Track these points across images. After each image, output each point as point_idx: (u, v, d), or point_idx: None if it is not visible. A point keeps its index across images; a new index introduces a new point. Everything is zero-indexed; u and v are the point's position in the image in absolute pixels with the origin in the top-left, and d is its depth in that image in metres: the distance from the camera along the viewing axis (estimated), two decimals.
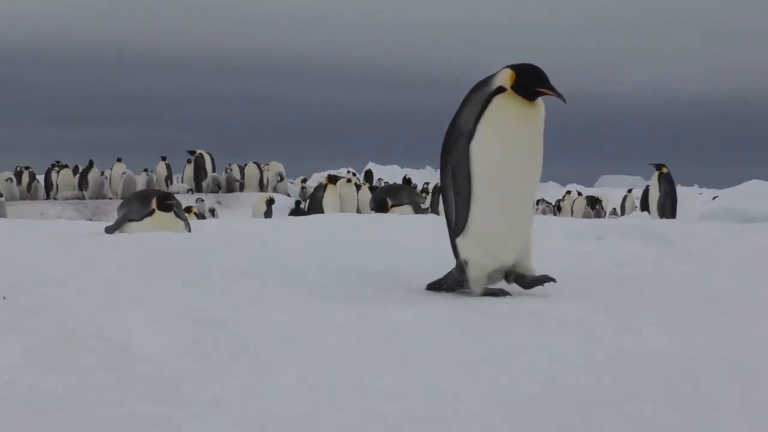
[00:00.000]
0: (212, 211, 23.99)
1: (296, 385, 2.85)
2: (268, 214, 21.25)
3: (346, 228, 8.97)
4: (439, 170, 4.88)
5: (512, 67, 4.72)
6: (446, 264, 6.09)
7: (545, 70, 4.68)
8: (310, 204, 18.29)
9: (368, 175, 39.01)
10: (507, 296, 4.77)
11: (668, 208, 17.65)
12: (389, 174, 46.49)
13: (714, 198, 28.11)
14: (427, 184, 35.41)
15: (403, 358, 3.19)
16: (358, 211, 20.35)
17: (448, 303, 4.47)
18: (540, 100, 4.73)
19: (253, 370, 3.05)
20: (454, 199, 4.72)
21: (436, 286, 4.98)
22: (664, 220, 13.77)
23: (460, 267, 4.83)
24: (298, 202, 24.22)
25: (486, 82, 4.75)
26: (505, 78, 4.70)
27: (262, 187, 30.13)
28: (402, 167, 52.65)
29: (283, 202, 25.32)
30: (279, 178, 30.73)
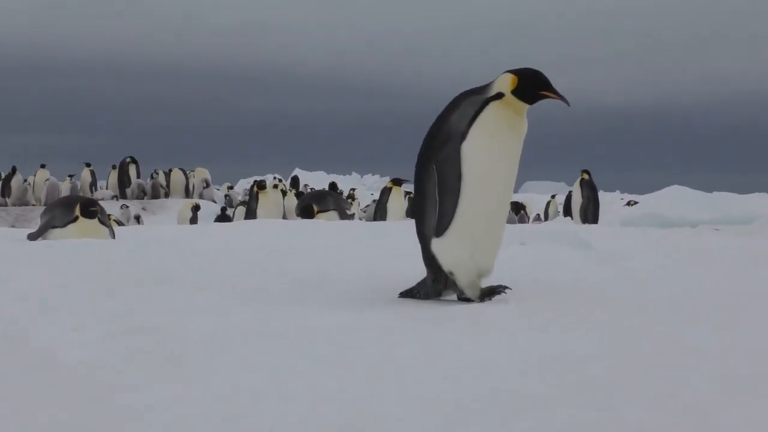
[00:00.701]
0: (137, 218, 23.76)
1: (225, 390, 2.85)
2: (193, 220, 21.11)
3: (274, 234, 8.95)
4: (415, 175, 4.78)
5: (513, 71, 4.73)
6: (380, 268, 6.10)
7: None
8: (247, 211, 18.11)
9: (295, 181, 38.89)
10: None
11: (591, 213, 17.90)
12: (316, 180, 46.42)
13: (628, 203, 28.46)
14: (353, 190, 35.42)
15: (334, 362, 3.20)
16: (285, 217, 20.28)
17: (381, 307, 4.48)
18: (526, 114, 4.76)
19: (181, 376, 3.04)
20: (439, 199, 4.64)
21: (408, 295, 4.90)
22: (587, 225, 13.95)
23: (445, 277, 4.74)
24: (224, 209, 24.07)
25: (483, 87, 4.76)
26: (505, 83, 4.71)
27: (187, 193, 29.92)
28: (328, 173, 52.60)
29: (209, 209, 25.16)
30: (205, 184, 30.54)
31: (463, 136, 4.63)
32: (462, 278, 4.71)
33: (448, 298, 4.86)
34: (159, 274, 5.53)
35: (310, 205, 14.85)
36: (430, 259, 4.75)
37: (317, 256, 6.82)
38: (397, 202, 17.75)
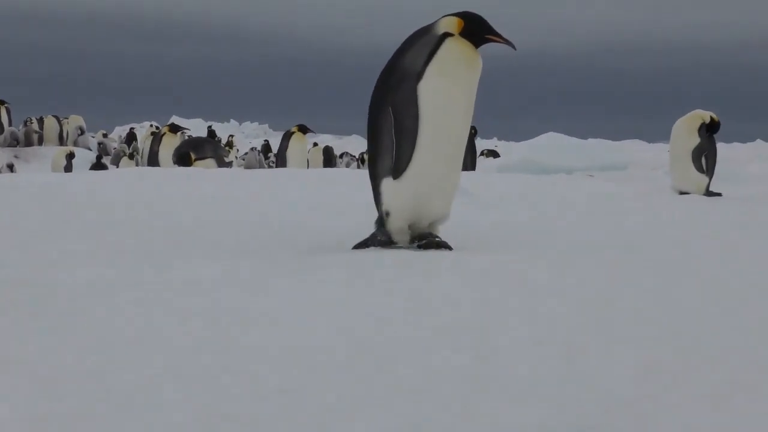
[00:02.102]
0: (10, 167, 23.14)
1: (93, 341, 2.80)
2: (68, 168, 20.65)
3: (149, 183, 8.81)
4: (369, 116, 4.67)
5: (457, 15, 4.68)
6: (256, 216, 6.06)
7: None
8: (150, 156, 17.51)
9: (173, 129, 38.33)
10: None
11: (468, 160, 18.05)
12: (194, 127, 45.75)
13: (482, 153, 28.67)
14: (232, 137, 35.04)
15: (202, 312, 3.17)
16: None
17: (254, 257, 4.45)
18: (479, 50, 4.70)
19: (49, 327, 2.97)
20: (395, 139, 4.54)
21: (363, 245, 4.76)
22: (464, 172, 14.06)
23: (381, 219, 4.68)
24: (98, 157, 23.61)
25: (428, 28, 4.68)
26: (451, 24, 4.65)
27: (61, 141, 29.22)
28: (206, 120, 51.92)
29: (84, 157, 24.63)
30: (79, 131, 29.86)
31: (419, 75, 4.57)
32: (393, 222, 4.65)
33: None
34: (30, 223, 5.39)
35: (187, 152, 14.66)
36: (376, 200, 4.69)
37: (195, 205, 6.74)
38: (298, 150, 17.50)
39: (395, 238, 4.69)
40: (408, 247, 4.72)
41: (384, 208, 4.65)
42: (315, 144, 25.83)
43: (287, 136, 17.65)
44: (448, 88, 4.60)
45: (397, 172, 4.57)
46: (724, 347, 2.83)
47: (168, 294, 3.48)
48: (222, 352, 2.69)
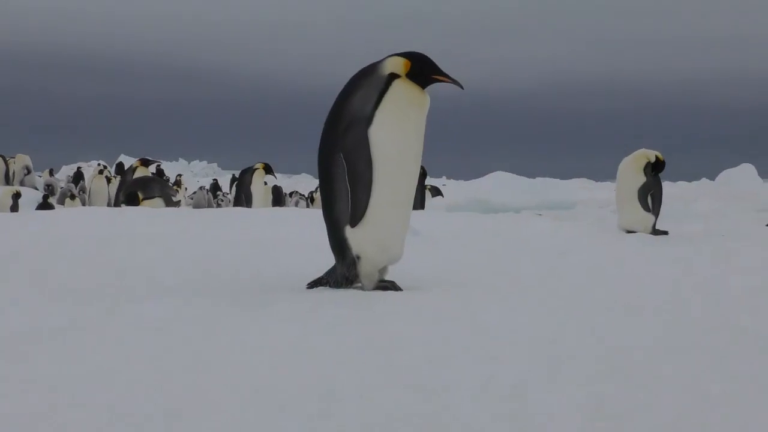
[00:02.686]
0: None
1: (37, 384, 2.76)
2: (14, 208, 20.42)
3: (99, 222, 8.73)
4: (319, 162, 4.65)
5: (402, 55, 4.66)
6: (205, 255, 6.03)
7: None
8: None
9: (120, 168, 38.05)
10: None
11: (418, 199, 18.11)
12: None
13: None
14: (180, 176, 34.85)
15: (150, 353, 3.14)
16: (110, 204, 19.84)
17: (203, 296, 4.42)
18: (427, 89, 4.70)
19: None
20: (349, 187, 4.53)
21: (317, 284, 4.77)
22: (414, 211, 14.10)
23: (352, 262, 4.65)
24: (45, 196, 23.39)
25: (374, 68, 4.65)
26: (397, 65, 4.63)
27: (8, 180, 28.92)
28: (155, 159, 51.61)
29: (31, 196, 24.38)
30: (26, 171, 29.56)
31: (369, 120, 4.54)
32: (365, 266, 4.64)
33: (358, 285, 4.77)
34: None
35: (135, 192, 14.56)
36: (340, 244, 4.66)
37: (141, 245, 6.69)
38: (263, 186, 17.33)
39: (364, 280, 4.68)
40: (356, 288, 4.72)
41: (354, 252, 4.63)
42: (264, 183, 25.74)
43: (250, 172, 17.50)
44: (399, 133, 4.58)
45: (354, 219, 4.56)
46: (673, 384, 2.86)
47: (116, 335, 3.45)
48: (170, 393, 2.66)
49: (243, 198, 17.33)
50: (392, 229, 4.65)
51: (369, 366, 3.02)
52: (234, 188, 22.70)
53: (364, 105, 4.57)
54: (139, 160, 16.93)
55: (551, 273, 5.87)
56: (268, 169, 17.43)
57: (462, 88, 4.73)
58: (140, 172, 16.55)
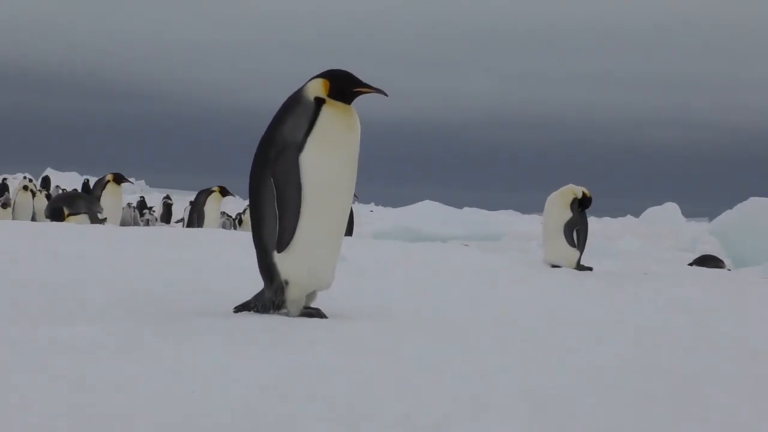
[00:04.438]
0: None
1: None
2: None
3: (21, 237, 8.59)
4: (250, 187, 4.62)
5: (321, 76, 4.65)
6: (128, 275, 5.95)
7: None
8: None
9: (45, 182, 37.53)
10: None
11: (347, 226, 18.06)
12: (68, 181, 44.88)
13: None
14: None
15: (67, 377, 3.08)
16: (34, 219, 19.52)
17: (125, 319, 4.35)
18: (354, 108, 4.68)
19: None
20: (278, 212, 4.50)
21: (244, 308, 4.72)
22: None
23: (279, 287, 4.60)
24: None
25: (299, 96, 4.63)
26: (317, 88, 4.61)
27: None
28: (82, 174, 50.97)
29: None
30: None
31: (300, 146, 4.52)
32: (293, 292, 4.61)
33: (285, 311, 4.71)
34: None
35: (60, 207, 14.34)
36: (268, 269, 4.62)
37: (62, 263, 6.58)
38: (215, 209, 16.82)
39: (290, 306, 4.65)
40: (283, 314, 4.69)
41: (282, 277, 4.59)
42: (191, 203, 25.49)
43: (205, 194, 17.07)
44: (331, 159, 4.57)
45: (281, 244, 4.54)
46: (594, 425, 2.87)
47: (33, 357, 3.38)
48: (87, 420, 2.61)
49: (195, 219, 17.03)
50: (322, 255, 4.63)
51: (290, 396, 2.99)
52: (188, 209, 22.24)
53: (295, 132, 4.56)
54: (112, 174, 15.75)
55: (477, 305, 5.89)
56: (224, 192, 17.04)
57: (386, 95, 4.73)
58: (110, 189, 15.51)
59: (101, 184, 15.57)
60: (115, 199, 15.40)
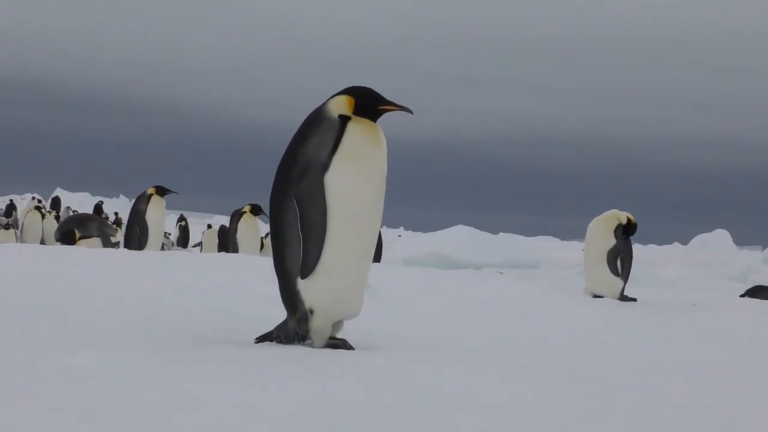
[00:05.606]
0: None
1: None
2: None
3: (30, 261, 8.64)
4: (270, 209, 4.62)
5: (345, 93, 4.66)
6: (143, 302, 5.97)
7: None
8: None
9: (55, 203, 37.79)
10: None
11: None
12: (79, 202, 45.19)
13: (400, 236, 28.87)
14: (117, 214, 34.60)
15: (75, 406, 3.09)
16: (43, 242, 19.65)
17: (138, 348, 4.37)
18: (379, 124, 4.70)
19: None
20: (302, 236, 4.50)
21: (266, 339, 4.72)
22: None
23: (303, 316, 4.59)
24: None
25: (321, 114, 4.63)
26: (341, 105, 4.63)
27: None
28: (93, 195, 51.27)
29: None
30: None
31: (325, 166, 4.52)
32: (317, 321, 4.59)
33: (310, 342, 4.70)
34: None
35: (71, 230, 14.45)
36: (291, 297, 4.61)
37: (73, 288, 6.62)
38: (250, 232, 15.91)
39: (314, 337, 4.63)
40: (307, 345, 4.68)
41: (307, 306, 4.58)
42: (209, 226, 25.57)
43: (236, 217, 16.36)
44: (358, 179, 4.57)
45: (305, 270, 4.53)
46: None
47: (40, 385, 3.40)
48: None
49: (229, 244, 16.24)
50: (349, 281, 4.61)
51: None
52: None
53: (319, 151, 4.56)
54: (155, 187, 15.19)
55: (512, 337, 5.87)
56: (255, 211, 16.27)
57: (411, 113, 4.74)
58: (154, 202, 14.89)
59: (145, 199, 15.02)
60: (159, 214, 14.80)
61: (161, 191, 14.66)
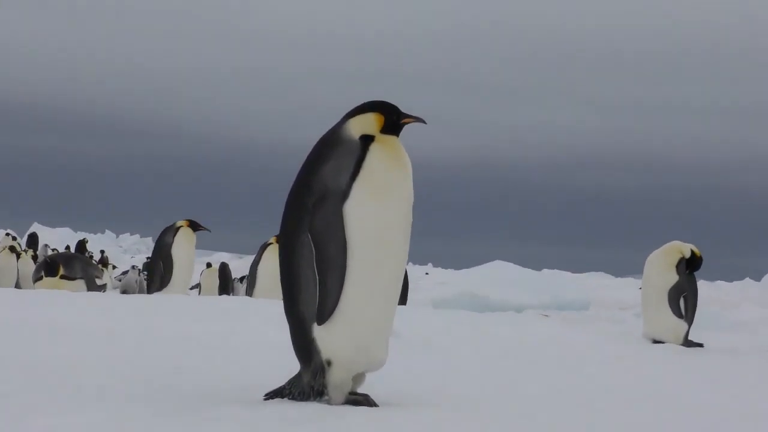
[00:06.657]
0: None
1: None
2: None
3: (5, 307, 8.68)
4: (281, 244, 4.64)
5: (371, 110, 4.67)
6: (134, 354, 5.99)
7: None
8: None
9: (32, 240, 37.87)
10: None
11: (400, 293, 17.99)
12: (59, 238, 45.30)
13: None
14: (103, 252, 34.69)
15: None
16: (18, 285, 19.68)
17: (130, 406, 4.38)
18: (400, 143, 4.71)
19: None
20: (318, 275, 4.48)
21: (277, 395, 4.70)
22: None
23: (320, 368, 4.57)
24: None
25: (339, 134, 4.64)
26: (368, 124, 4.64)
27: None
28: (76, 231, 51.42)
29: None
30: None
31: (344, 195, 4.51)
32: (336, 374, 4.56)
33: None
34: None
35: (56, 262, 14.48)
36: (306, 346, 4.58)
37: (60, 338, 6.65)
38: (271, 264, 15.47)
39: (332, 392, 4.60)
40: (322, 402, 4.67)
41: (323, 356, 4.55)
42: (209, 264, 25.59)
43: (263, 247, 15.94)
44: (382, 208, 4.55)
45: (322, 314, 4.50)
46: None
47: None
48: None
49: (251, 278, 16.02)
50: (371, 327, 4.59)
51: None
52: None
53: (337, 176, 4.54)
54: (187, 220, 14.84)
55: (560, 392, 5.86)
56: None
57: (425, 123, 4.76)
58: (183, 234, 14.54)
59: (172, 231, 14.67)
60: (189, 250, 14.34)
61: (194, 226, 14.41)
